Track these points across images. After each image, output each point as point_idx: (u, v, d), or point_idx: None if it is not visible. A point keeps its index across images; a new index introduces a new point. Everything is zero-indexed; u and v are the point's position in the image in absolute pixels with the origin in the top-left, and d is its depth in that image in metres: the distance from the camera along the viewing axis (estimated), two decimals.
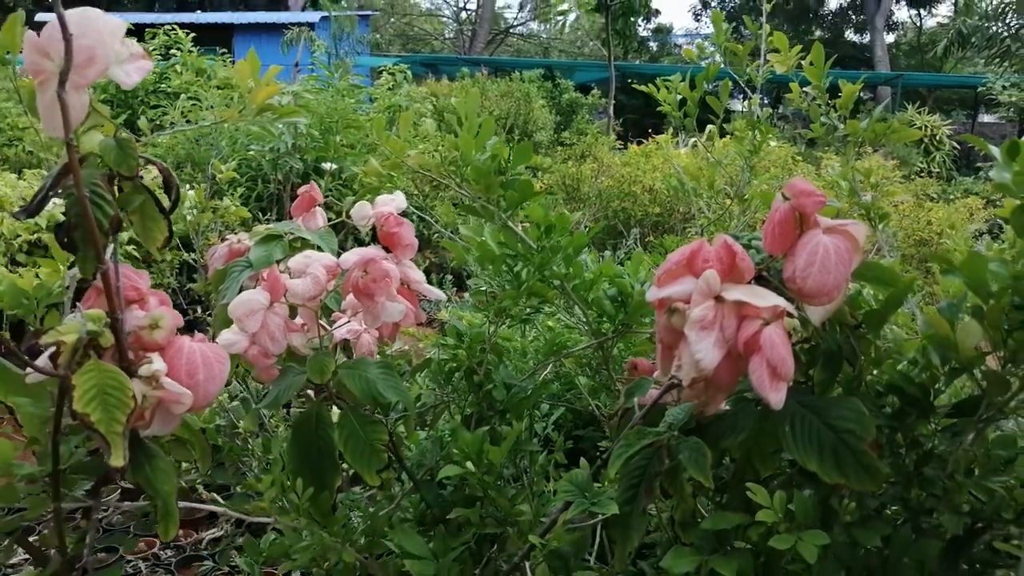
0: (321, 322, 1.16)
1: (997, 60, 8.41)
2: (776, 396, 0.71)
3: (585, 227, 3.33)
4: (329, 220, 1.43)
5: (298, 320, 1.11)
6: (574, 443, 1.90)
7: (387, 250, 1.32)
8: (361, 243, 1.24)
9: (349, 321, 1.16)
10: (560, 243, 1.03)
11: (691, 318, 0.74)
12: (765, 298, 0.73)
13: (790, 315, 0.73)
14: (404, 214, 1.42)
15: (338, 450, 1.02)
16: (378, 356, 1.38)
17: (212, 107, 6.38)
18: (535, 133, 8.93)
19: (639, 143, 5.20)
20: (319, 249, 1.31)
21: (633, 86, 1.82)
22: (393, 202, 1.34)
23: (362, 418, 1.05)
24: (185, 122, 6.24)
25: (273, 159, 5.58)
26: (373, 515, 1.05)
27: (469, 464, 0.93)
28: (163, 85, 7.49)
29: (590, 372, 1.33)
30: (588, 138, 5.65)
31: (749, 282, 0.77)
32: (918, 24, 24.56)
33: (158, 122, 6.69)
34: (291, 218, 1.42)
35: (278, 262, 1.18)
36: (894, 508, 0.91)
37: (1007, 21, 8.49)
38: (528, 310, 1.21)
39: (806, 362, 0.85)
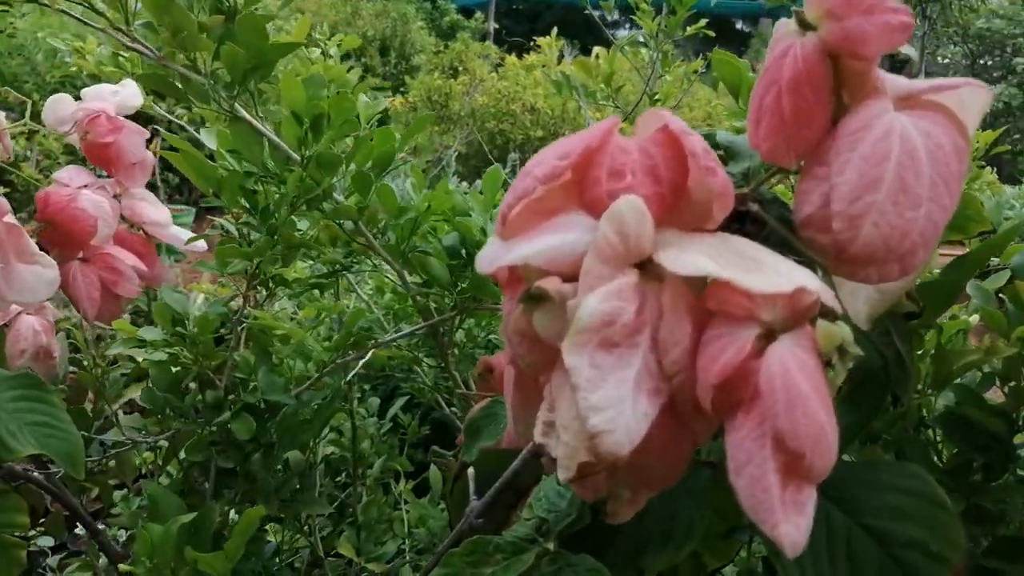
0: None
1: None
2: (795, 525, 0.27)
3: (454, 152, 2.78)
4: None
5: None
6: (431, 428, 1.46)
7: (101, 174, 0.84)
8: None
9: None
10: (342, 150, 0.55)
11: (578, 320, 0.28)
12: (767, 270, 0.28)
13: (828, 313, 0.28)
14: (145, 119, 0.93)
15: None
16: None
17: (25, 15, 5.45)
18: (413, 56, 8.29)
19: (520, 56, 4.66)
20: None
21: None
22: (114, 96, 0.83)
23: None
24: None
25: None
26: None
27: None
28: None
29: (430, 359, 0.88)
30: (458, 45, 4.96)
31: (721, 228, 0.32)
32: None
33: None
34: None
35: None
36: None
37: None
38: (325, 267, 0.73)
39: None
